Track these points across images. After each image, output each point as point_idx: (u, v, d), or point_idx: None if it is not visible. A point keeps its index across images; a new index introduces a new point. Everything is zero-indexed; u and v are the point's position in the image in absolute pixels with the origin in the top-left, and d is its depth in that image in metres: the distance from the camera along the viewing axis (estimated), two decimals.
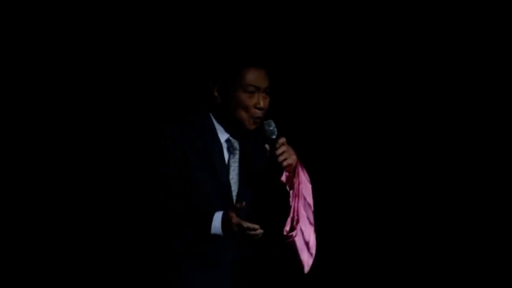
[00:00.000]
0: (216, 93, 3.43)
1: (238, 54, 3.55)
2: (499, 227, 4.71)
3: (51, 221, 4.55)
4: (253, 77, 3.40)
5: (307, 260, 3.47)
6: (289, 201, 3.42)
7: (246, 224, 3.26)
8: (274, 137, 3.38)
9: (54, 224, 4.55)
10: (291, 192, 3.41)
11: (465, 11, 4.66)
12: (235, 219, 3.27)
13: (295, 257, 3.45)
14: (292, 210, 3.42)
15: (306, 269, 3.48)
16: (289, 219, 3.42)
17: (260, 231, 3.29)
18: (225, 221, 3.30)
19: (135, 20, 4.58)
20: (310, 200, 3.49)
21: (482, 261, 4.72)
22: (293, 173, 3.41)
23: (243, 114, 3.40)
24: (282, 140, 3.38)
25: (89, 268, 4.57)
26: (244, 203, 3.29)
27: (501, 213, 4.70)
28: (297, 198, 3.44)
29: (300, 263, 3.46)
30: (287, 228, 3.41)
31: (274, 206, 3.46)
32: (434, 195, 4.78)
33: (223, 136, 3.45)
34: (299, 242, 3.44)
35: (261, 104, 3.40)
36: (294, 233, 3.41)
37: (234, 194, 3.45)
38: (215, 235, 3.32)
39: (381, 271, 4.82)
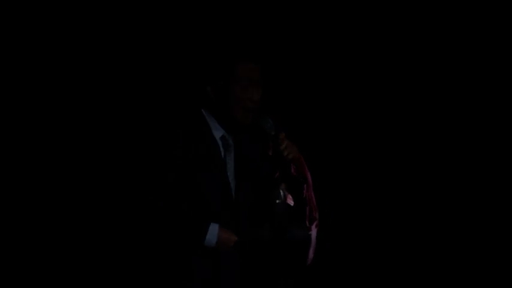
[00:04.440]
0: (209, 91, 3.45)
1: (229, 50, 3.56)
2: (500, 227, 4.75)
3: (51, 220, 4.55)
4: (246, 70, 3.43)
5: (311, 252, 3.44)
6: (302, 193, 3.40)
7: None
8: (273, 133, 3.40)
9: (53, 224, 4.56)
10: (304, 184, 3.39)
11: (465, 11, 4.68)
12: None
13: (304, 250, 3.41)
14: (308, 201, 3.40)
15: (309, 261, 3.43)
16: (307, 211, 3.39)
17: None
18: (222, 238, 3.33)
19: (129, 21, 4.60)
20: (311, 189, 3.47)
21: (483, 261, 4.74)
22: (300, 164, 3.40)
23: (238, 109, 3.41)
24: (283, 135, 3.40)
25: (89, 268, 4.58)
26: None
27: (501, 213, 4.75)
28: (310, 188, 3.43)
29: (306, 256, 3.42)
30: (307, 220, 3.39)
31: (276, 201, 3.41)
32: (432, 192, 4.81)
33: (218, 133, 3.46)
34: (314, 233, 3.42)
35: (255, 97, 3.43)
36: (315, 224, 3.39)
37: (232, 190, 3.45)
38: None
39: (379, 269, 4.84)
